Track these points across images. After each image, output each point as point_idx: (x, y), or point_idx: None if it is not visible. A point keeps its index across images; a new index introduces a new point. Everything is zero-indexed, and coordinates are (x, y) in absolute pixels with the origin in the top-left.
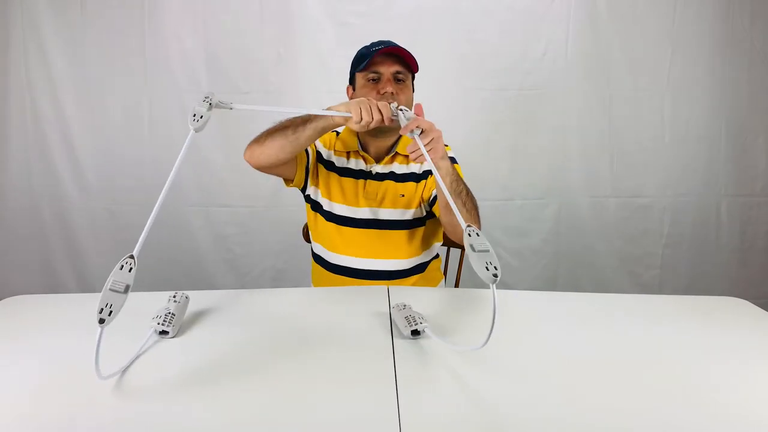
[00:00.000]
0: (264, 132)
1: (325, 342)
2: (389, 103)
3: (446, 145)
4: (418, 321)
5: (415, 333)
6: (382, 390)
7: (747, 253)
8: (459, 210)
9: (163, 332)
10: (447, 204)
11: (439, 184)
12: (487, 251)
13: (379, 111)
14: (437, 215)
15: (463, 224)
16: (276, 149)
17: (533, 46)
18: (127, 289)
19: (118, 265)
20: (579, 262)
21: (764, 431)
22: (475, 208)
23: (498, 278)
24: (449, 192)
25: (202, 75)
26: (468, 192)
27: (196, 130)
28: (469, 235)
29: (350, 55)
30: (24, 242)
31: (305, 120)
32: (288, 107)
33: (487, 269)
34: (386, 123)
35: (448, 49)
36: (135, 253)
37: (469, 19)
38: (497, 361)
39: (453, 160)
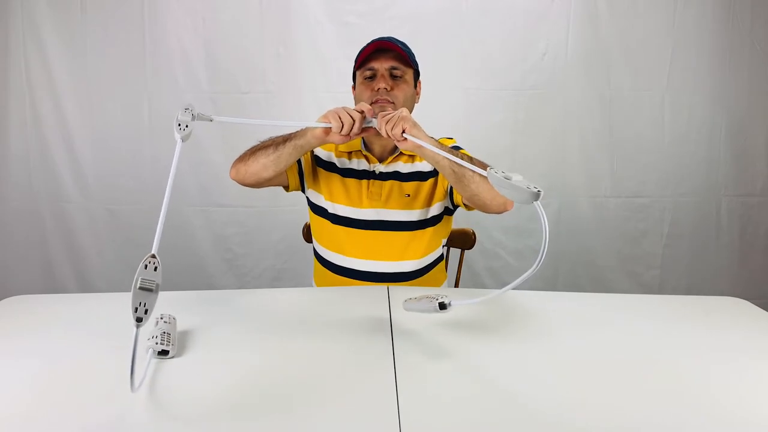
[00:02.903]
0: (248, 151)
1: (324, 342)
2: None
3: (450, 138)
4: (441, 296)
5: (443, 306)
6: (382, 390)
7: (747, 253)
8: (471, 177)
9: (163, 352)
10: (456, 179)
11: (425, 152)
12: (521, 179)
13: (359, 113)
14: (461, 204)
15: (483, 171)
16: (259, 168)
17: (533, 46)
18: (157, 288)
19: (142, 265)
20: (579, 262)
21: (764, 431)
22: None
23: (542, 193)
24: (451, 162)
25: (202, 75)
26: (472, 158)
27: (184, 140)
28: (496, 172)
29: (350, 55)
30: (24, 242)
31: (285, 139)
32: (270, 120)
33: (528, 188)
34: (356, 130)
35: (448, 49)
36: (154, 251)
37: (469, 19)
38: (497, 361)
39: (458, 148)
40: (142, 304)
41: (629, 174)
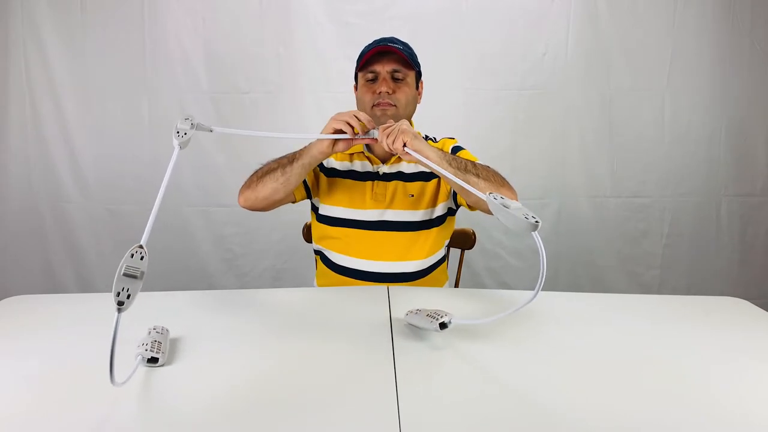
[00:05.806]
0: (253, 176)
1: (324, 342)
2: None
3: (452, 138)
4: (442, 315)
5: (443, 326)
6: (382, 390)
7: (747, 253)
8: (475, 183)
9: (152, 359)
10: (460, 186)
11: (427, 164)
12: (519, 207)
13: (358, 119)
14: (465, 205)
15: (482, 195)
16: (269, 192)
17: (533, 46)
18: (142, 276)
19: (128, 254)
20: (579, 262)
21: (764, 431)
22: (496, 173)
23: (539, 224)
24: (454, 171)
25: (202, 75)
26: (476, 164)
27: (182, 146)
28: (495, 198)
29: (350, 55)
30: (24, 242)
31: (291, 159)
32: (274, 132)
33: (526, 218)
34: (352, 132)
35: (448, 49)
36: (143, 243)
37: (469, 19)
38: (497, 361)
39: (460, 149)
40: (125, 290)
41: (629, 174)
